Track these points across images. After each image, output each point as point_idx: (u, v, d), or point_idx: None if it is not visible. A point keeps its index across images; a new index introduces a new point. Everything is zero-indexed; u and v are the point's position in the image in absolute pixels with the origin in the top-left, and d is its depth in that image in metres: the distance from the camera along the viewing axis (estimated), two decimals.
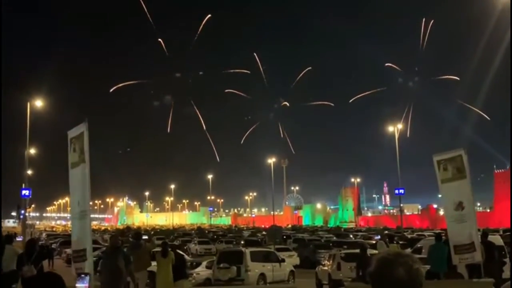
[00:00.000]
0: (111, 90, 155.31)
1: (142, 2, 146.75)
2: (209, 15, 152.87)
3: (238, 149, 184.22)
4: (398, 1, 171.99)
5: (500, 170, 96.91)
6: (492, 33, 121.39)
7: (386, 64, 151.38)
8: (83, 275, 9.82)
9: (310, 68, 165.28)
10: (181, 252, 19.63)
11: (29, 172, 49.60)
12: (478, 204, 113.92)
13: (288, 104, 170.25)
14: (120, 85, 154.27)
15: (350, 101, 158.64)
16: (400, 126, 59.77)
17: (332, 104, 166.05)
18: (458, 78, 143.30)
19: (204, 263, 25.74)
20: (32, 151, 54.07)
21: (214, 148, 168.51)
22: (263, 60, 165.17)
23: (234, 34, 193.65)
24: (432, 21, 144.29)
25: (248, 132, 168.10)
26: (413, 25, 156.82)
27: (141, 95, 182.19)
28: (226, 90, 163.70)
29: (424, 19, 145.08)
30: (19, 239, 32.91)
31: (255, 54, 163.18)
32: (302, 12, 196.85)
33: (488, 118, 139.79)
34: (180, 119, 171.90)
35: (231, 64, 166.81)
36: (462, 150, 14.44)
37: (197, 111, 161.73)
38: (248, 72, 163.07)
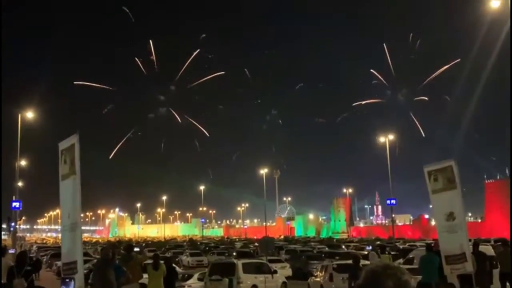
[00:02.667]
0: (104, 111, 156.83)
1: (130, 14, 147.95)
2: (204, 35, 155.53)
3: (231, 160, 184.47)
4: (386, 18, 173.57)
5: (490, 181, 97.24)
6: (480, 48, 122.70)
7: (373, 82, 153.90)
8: (67, 280, 9.75)
9: (301, 84, 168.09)
10: (173, 265, 19.54)
11: (20, 184, 49.32)
12: (469, 214, 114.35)
13: (280, 122, 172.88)
14: (110, 106, 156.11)
15: (338, 120, 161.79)
16: (391, 137, 60.01)
17: (324, 120, 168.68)
18: (448, 98, 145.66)
19: (196, 275, 25.60)
20: (23, 162, 53.80)
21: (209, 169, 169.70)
22: (254, 75, 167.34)
23: (227, 53, 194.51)
24: (419, 41, 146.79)
25: (237, 153, 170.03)
26: (401, 41, 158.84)
27: (133, 109, 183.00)
28: (220, 106, 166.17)
29: (411, 35, 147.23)
30: (11, 251, 32.67)
31: (246, 70, 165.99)
32: (296, 29, 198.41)
33: (477, 136, 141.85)
34: (174, 131, 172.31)
35: (226, 80, 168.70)
36: (452, 161, 14.53)
37: (196, 124, 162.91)
38: (241, 90, 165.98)
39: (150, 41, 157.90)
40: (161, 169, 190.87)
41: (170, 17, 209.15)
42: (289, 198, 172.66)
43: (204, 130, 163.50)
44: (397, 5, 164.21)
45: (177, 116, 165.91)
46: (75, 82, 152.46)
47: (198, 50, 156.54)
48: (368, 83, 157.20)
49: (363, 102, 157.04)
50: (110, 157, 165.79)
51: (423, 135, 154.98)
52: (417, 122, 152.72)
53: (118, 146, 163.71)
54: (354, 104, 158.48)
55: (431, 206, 17.24)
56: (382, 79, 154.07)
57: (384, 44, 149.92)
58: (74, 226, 10.44)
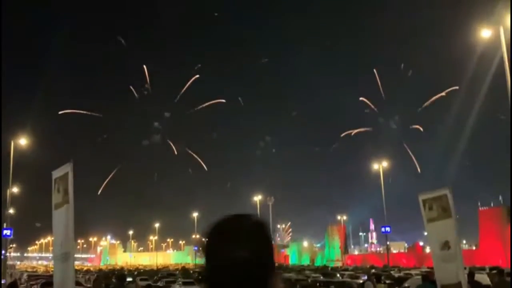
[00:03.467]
0: (99, 139, 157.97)
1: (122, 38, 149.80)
2: (199, 65, 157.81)
3: (224, 187, 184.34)
4: (375, 47, 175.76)
5: (484, 208, 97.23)
6: (473, 77, 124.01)
7: (366, 111, 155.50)
8: None
9: (295, 113, 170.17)
10: None
11: (11, 211, 48.90)
12: (464, 241, 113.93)
13: (274, 150, 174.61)
14: (105, 136, 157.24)
15: (331, 149, 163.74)
16: (385, 164, 60.17)
17: (318, 149, 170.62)
18: (441, 126, 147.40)
19: None
20: (15, 189, 53.43)
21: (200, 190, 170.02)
22: (247, 102, 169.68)
23: (221, 83, 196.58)
24: (410, 71, 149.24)
25: (231, 180, 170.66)
26: (392, 71, 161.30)
27: (127, 136, 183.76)
28: (214, 133, 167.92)
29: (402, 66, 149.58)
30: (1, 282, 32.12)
31: (239, 98, 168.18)
32: (288, 57, 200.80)
33: (470, 164, 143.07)
34: (168, 158, 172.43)
35: (220, 107, 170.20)
36: (447, 190, 14.51)
37: (192, 153, 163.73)
38: (235, 117, 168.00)
39: (145, 67, 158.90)
40: (154, 196, 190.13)
41: (165, 44, 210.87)
42: (283, 225, 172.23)
43: (202, 163, 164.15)
44: (387, 35, 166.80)
45: (172, 144, 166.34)
46: (60, 112, 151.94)
47: (196, 76, 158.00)
48: (361, 110, 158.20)
49: (353, 133, 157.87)
50: (101, 188, 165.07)
51: (416, 162, 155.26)
52: (409, 151, 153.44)
53: (110, 176, 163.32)
54: (342, 135, 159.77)
55: (425, 233, 17.18)
56: (373, 107, 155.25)
57: (375, 70, 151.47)
58: (67, 256, 10.29)
